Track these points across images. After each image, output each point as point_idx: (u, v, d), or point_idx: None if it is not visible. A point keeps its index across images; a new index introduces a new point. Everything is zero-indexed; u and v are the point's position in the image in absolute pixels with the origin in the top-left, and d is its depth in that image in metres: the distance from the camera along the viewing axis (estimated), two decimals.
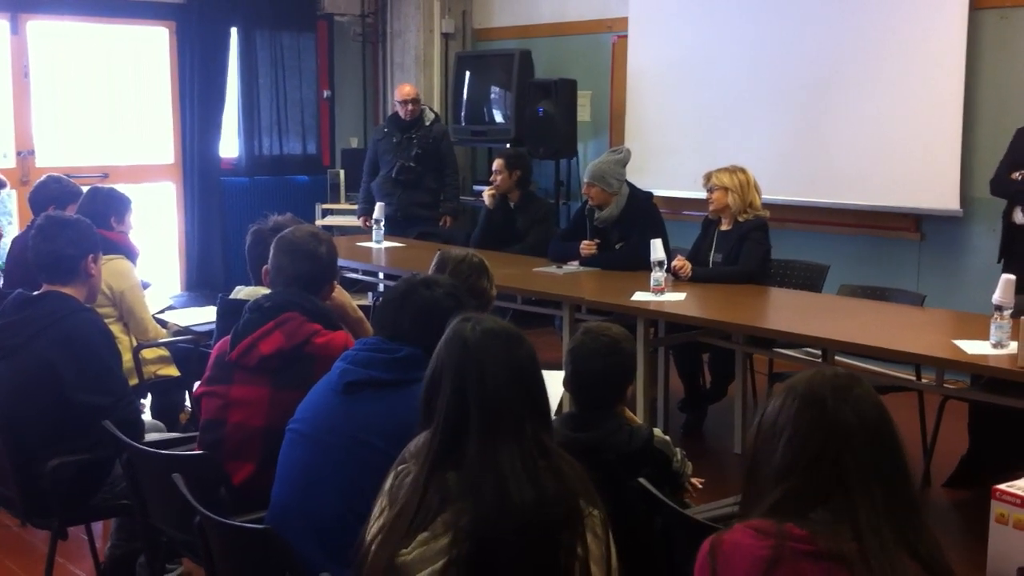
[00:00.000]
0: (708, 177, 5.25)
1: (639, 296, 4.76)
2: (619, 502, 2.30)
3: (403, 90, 7.24)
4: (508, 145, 7.44)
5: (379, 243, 6.43)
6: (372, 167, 7.31)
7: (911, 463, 1.77)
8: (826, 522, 1.66)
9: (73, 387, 3.16)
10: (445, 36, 8.50)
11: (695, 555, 1.79)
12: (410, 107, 7.13)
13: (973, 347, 3.76)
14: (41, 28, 7.29)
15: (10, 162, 7.15)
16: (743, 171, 5.19)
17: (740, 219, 5.16)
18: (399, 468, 2.01)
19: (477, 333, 2.00)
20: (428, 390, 2.01)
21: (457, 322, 2.04)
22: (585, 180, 5.56)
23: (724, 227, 5.26)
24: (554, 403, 3.18)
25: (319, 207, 8.20)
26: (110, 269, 4.28)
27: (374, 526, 1.96)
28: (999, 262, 5.21)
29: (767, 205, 5.28)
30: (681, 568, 2.41)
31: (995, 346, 3.71)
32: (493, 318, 2.09)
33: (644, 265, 4.87)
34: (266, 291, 3.21)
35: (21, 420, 3.17)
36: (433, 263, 3.18)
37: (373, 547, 1.93)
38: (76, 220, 3.46)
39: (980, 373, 3.86)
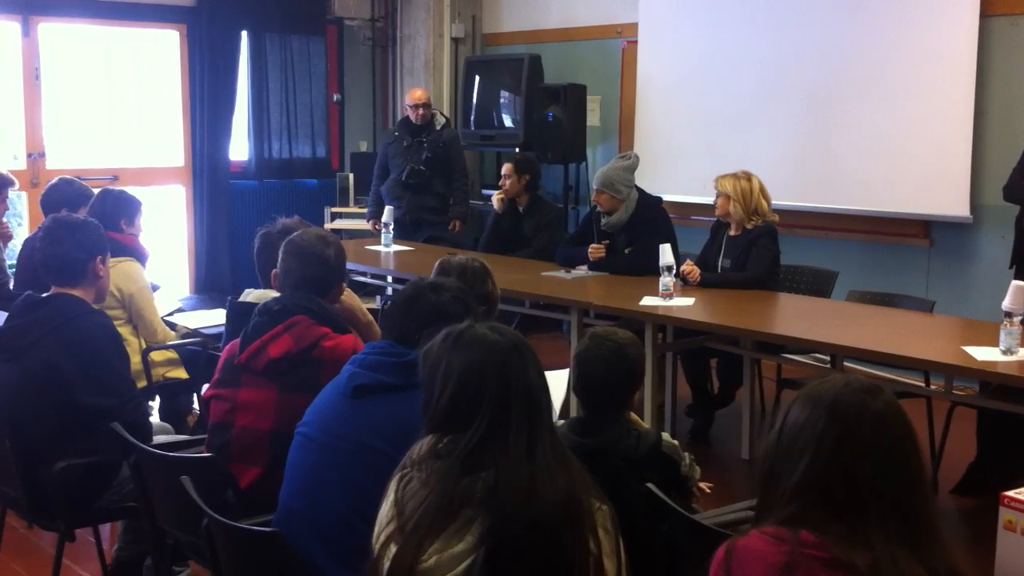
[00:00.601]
0: (715, 181, 5.25)
1: (647, 301, 4.76)
2: (621, 506, 2.29)
3: (414, 94, 7.25)
4: (517, 150, 7.45)
5: (387, 247, 6.44)
6: (382, 171, 7.32)
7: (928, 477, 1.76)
8: (841, 533, 1.66)
9: (79, 389, 3.17)
10: (455, 41, 8.52)
11: (703, 560, 1.79)
12: (421, 111, 7.14)
13: (982, 354, 3.75)
14: (52, 30, 7.32)
15: (21, 164, 7.17)
16: (748, 178, 5.17)
17: (748, 225, 5.15)
18: (403, 473, 2.00)
19: (508, 338, 2.03)
20: (461, 394, 1.99)
21: (468, 329, 2.05)
22: (594, 187, 5.54)
23: (732, 232, 5.25)
24: (557, 403, 3.19)
25: (328, 210, 8.21)
26: (119, 271, 4.29)
27: (382, 534, 1.95)
28: (1011, 267, 5.19)
29: (777, 210, 5.27)
30: (686, 573, 2.40)
31: (1004, 353, 3.71)
32: (500, 325, 2.11)
33: (653, 270, 4.87)
34: (275, 294, 3.22)
35: (28, 422, 3.18)
36: (434, 271, 3.18)
37: (389, 556, 1.92)
38: (83, 222, 3.46)
39: (989, 380, 3.85)
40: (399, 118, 8.09)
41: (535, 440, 1.95)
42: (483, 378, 1.98)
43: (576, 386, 2.77)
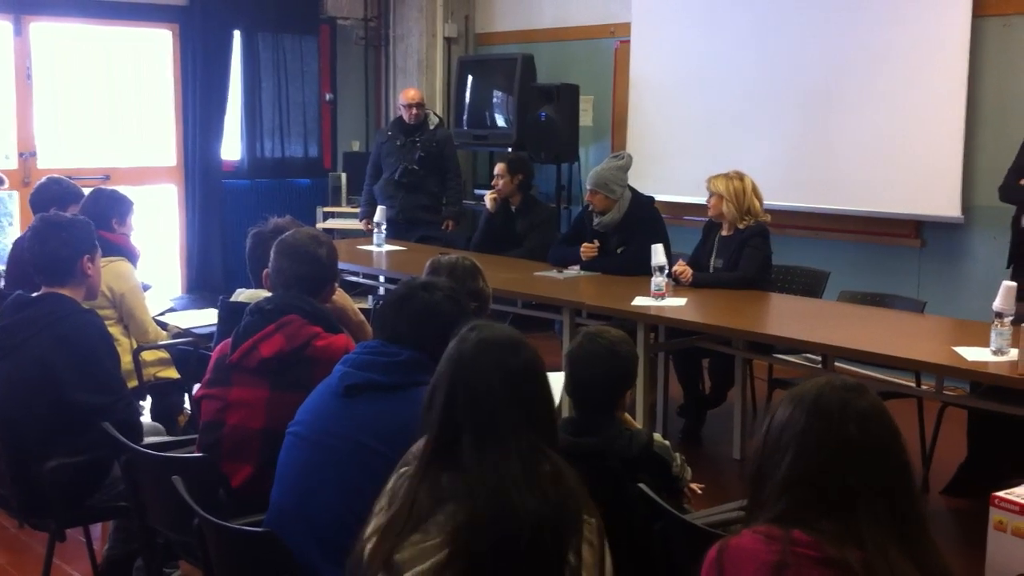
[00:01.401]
0: (707, 181, 5.26)
1: (639, 301, 4.76)
2: (619, 507, 2.29)
3: (408, 94, 7.25)
4: (510, 149, 7.44)
5: (380, 246, 6.43)
6: (375, 170, 7.32)
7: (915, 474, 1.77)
8: (832, 531, 1.67)
9: (71, 388, 3.16)
10: (447, 40, 8.51)
11: (695, 560, 1.79)
12: (415, 111, 7.14)
13: (973, 354, 3.75)
14: (44, 30, 7.30)
15: (12, 163, 7.15)
16: (740, 178, 5.18)
17: (740, 225, 5.16)
18: (402, 469, 2.02)
19: (472, 342, 2.00)
20: (427, 398, 2.03)
21: (463, 331, 2.05)
22: (588, 187, 5.54)
23: (725, 232, 5.26)
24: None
25: (320, 210, 8.20)
26: (111, 271, 4.28)
27: (371, 525, 1.97)
28: (1008, 267, 5.19)
29: (769, 211, 5.28)
30: (680, 573, 2.40)
31: (995, 353, 3.71)
32: (495, 326, 2.09)
33: (645, 270, 4.87)
34: (267, 294, 3.22)
35: (19, 421, 3.18)
36: (425, 270, 3.18)
37: (368, 545, 1.93)
38: (71, 221, 3.45)
39: (980, 380, 3.85)
40: (392, 118, 8.09)
41: (498, 448, 1.91)
42: (440, 382, 1.99)
43: (568, 386, 2.76)
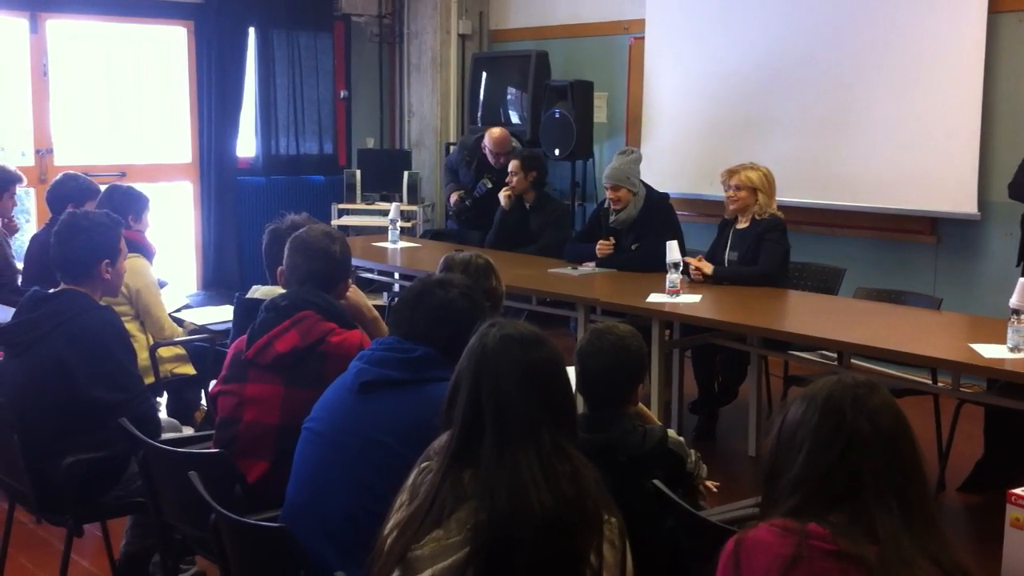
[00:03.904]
0: (730, 174, 5.20)
1: (654, 298, 4.75)
2: (632, 503, 2.29)
3: (494, 136, 6.86)
4: (524, 146, 7.44)
5: (394, 243, 6.44)
6: (452, 175, 7.24)
7: (928, 470, 1.78)
8: (846, 524, 1.68)
9: (86, 384, 3.17)
10: (462, 37, 8.52)
11: (708, 557, 1.80)
12: (502, 159, 6.77)
13: (989, 351, 3.74)
14: (60, 27, 7.33)
15: (29, 160, 7.18)
16: (759, 167, 5.18)
17: (757, 217, 5.15)
18: (423, 464, 2.02)
19: (495, 338, 2.00)
20: (449, 394, 2.02)
21: (483, 328, 2.05)
22: (609, 184, 5.49)
23: (741, 225, 5.23)
24: None
25: (335, 207, 8.22)
26: (127, 267, 4.29)
27: (392, 520, 1.97)
28: (1018, 266, 5.17)
29: (784, 207, 5.27)
30: (691, 571, 2.40)
31: (1012, 350, 3.70)
32: (517, 323, 2.09)
33: (660, 267, 4.86)
34: (283, 291, 3.23)
35: (36, 417, 3.19)
36: (439, 267, 3.18)
37: (388, 540, 1.94)
38: (98, 222, 3.40)
39: (996, 377, 3.84)
40: (407, 112, 8.10)
41: (518, 445, 1.91)
42: (463, 378, 1.99)
43: (579, 382, 2.76)
